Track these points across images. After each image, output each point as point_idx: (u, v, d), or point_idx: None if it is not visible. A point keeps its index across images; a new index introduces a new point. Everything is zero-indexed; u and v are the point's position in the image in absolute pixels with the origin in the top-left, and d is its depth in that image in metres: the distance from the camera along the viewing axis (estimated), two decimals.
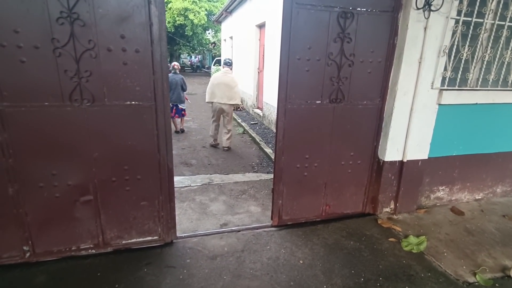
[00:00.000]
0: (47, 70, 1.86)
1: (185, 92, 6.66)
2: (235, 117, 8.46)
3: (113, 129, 2.10)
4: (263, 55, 7.88)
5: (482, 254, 2.36)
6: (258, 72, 8.81)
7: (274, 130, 6.82)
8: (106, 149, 2.12)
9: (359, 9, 2.41)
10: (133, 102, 2.08)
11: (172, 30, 20.66)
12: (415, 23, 2.47)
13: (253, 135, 6.55)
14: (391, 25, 2.54)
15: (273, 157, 5.01)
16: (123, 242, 2.34)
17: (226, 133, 5.52)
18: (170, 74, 6.15)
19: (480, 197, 3.29)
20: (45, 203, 2.08)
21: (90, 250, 2.26)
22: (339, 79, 2.53)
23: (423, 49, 2.52)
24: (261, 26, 8.18)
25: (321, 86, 2.52)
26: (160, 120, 2.17)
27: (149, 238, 2.40)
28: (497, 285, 2.04)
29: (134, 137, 2.16)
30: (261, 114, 8.05)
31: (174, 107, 6.43)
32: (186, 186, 3.76)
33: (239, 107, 7.57)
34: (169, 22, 19.75)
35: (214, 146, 5.72)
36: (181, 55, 31.64)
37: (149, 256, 2.23)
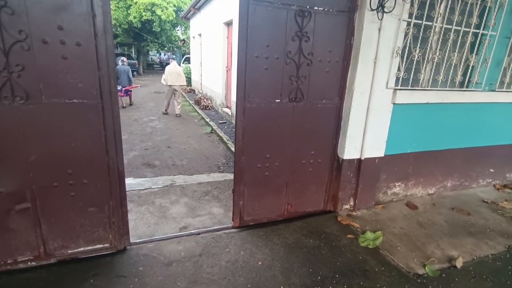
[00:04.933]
0: None
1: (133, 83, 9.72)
2: (203, 116, 8.35)
3: (53, 129, 1.91)
4: (231, 53, 7.79)
5: (431, 246, 2.48)
6: (227, 71, 8.69)
7: None
8: (45, 152, 1.92)
9: (316, 8, 2.42)
10: (75, 100, 1.91)
11: (139, 26, 19.80)
12: (370, 24, 2.53)
13: (220, 134, 6.44)
14: (348, 25, 2.58)
15: None
16: (69, 251, 2.15)
17: (177, 104, 8.39)
18: (120, 64, 9.19)
19: (432, 192, 3.48)
20: None
21: (29, 263, 2.05)
22: (298, 78, 2.53)
23: (378, 49, 2.60)
24: (229, 24, 8.07)
25: (280, 85, 2.50)
26: (108, 119, 2.02)
27: (100, 246, 2.23)
28: (443, 275, 2.15)
29: (78, 138, 1.98)
30: (230, 113, 7.96)
31: (123, 89, 9.05)
32: (146, 189, 3.58)
33: (186, 89, 9.92)
34: (135, 17, 18.89)
35: (165, 114, 8.49)
36: (150, 52, 30.53)
37: (98, 266, 2.07)
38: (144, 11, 18.59)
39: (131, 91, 9.46)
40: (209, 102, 9.99)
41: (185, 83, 8.59)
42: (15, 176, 1.89)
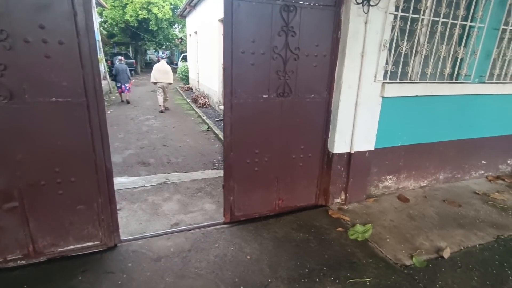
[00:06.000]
0: None
1: (131, 80, 10.27)
2: (200, 114, 8.37)
3: (38, 128, 1.92)
4: None
5: (420, 238, 2.50)
6: (223, 68, 8.67)
7: None
8: (32, 150, 1.93)
9: (301, 2, 2.42)
10: (60, 99, 1.92)
11: (136, 25, 19.74)
12: (356, 18, 2.52)
13: (216, 132, 6.45)
14: (334, 19, 2.58)
15: None
16: (59, 249, 2.17)
17: (165, 99, 9.01)
18: (117, 63, 9.93)
19: (424, 184, 3.49)
20: None
21: (19, 261, 2.07)
22: (285, 72, 2.53)
23: (365, 43, 2.59)
24: None
25: (267, 80, 2.51)
26: (93, 117, 2.03)
27: (90, 243, 2.25)
28: (430, 265, 2.17)
29: (64, 136, 1.99)
30: None
31: (123, 86, 9.72)
32: (140, 187, 3.60)
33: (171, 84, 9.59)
34: (131, 16, 18.81)
35: (162, 112, 8.80)
36: (147, 51, 30.43)
37: (87, 263, 2.09)
38: (140, 10, 18.54)
39: (129, 88, 10.08)
40: (206, 100, 9.99)
41: (171, 81, 8.90)
42: (1, 175, 1.90)
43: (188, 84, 14.74)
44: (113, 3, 18.89)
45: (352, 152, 2.86)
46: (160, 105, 8.91)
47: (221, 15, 7.90)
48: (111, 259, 2.14)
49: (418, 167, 3.37)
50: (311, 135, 2.83)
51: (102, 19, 19.63)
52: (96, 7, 14.55)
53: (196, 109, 9.18)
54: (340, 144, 2.83)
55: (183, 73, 15.21)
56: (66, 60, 1.88)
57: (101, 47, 12.58)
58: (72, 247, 2.20)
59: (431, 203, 3.11)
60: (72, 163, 2.06)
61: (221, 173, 4.26)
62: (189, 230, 2.57)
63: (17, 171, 1.93)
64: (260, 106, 2.55)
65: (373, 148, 2.96)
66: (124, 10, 18.92)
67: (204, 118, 7.89)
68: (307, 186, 2.96)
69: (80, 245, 2.22)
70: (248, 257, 2.20)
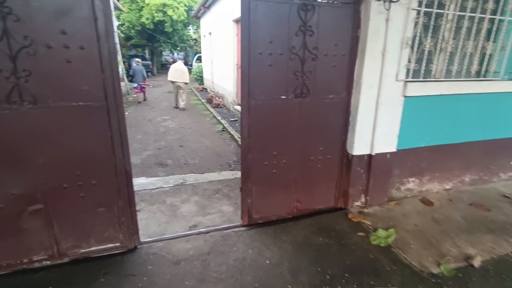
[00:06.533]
0: None
1: (146, 80, 10.90)
2: (215, 114, 8.40)
3: (60, 132, 1.96)
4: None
5: (447, 244, 2.38)
6: (237, 68, 8.68)
7: None
8: (54, 154, 1.98)
9: (319, 1, 2.36)
10: (81, 103, 1.95)
11: (152, 27, 20.09)
12: (377, 15, 2.43)
13: (232, 132, 6.46)
14: (353, 18, 2.50)
15: None
16: (81, 251, 2.21)
17: (182, 100, 9.42)
18: (134, 65, 10.52)
19: (449, 187, 3.34)
20: None
21: (44, 262, 2.13)
22: (303, 73, 2.47)
23: (386, 41, 2.50)
24: (238, 21, 8.05)
25: (285, 81, 2.46)
26: (113, 121, 2.05)
27: (110, 245, 2.28)
28: (460, 274, 2.06)
29: (85, 140, 2.03)
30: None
31: (139, 86, 10.30)
32: (158, 188, 3.63)
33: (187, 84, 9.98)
34: (147, 19, 19.16)
35: (176, 107, 9.49)
36: (163, 52, 30.95)
37: (108, 265, 2.12)
38: (155, 12, 18.84)
39: (145, 87, 10.79)
40: (221, 100, 10.03)
41: (188, 81, 9.37)
42: (26, 179, 1.95)
43: (203, 84, 14.87)
44: (130, 7, 19.31)
45: (373, 153, 2.77)
46: (176, 105, 9.48)
47: (236, 16, 7.92)
48: (131, 261, 2.16)
49: (442, 169, 3.23)
50: (329, 136, 2.76)
51: (119, 22, 20.11)
52: (114, 11, 14.91)
53: (211, 110, 9.23)
54: (360, 146, 2.75)
55: (198, 74, 15.35)
56: (87, 64, 1.90)
57: (119, 50, 12.90)
58: (93, 248, 2.24)
59: (457, 207, 2.97)
60: (92, 166, 2.09)
61: (237, 174, 4.25)
62: (207, 232, 2.56)
63: (41, 174, 1.97)
64: (278, 107, 2.51)
65: (394, 150, 2.85)
66: (141, 13, 19.29)
67: (219, 118, 7.92)
68: (326, 189, 2.89)
69: (101, 247, 2.25)
70: (268, 261, 2.16)
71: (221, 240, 2.43)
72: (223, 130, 6.98)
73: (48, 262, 2.13)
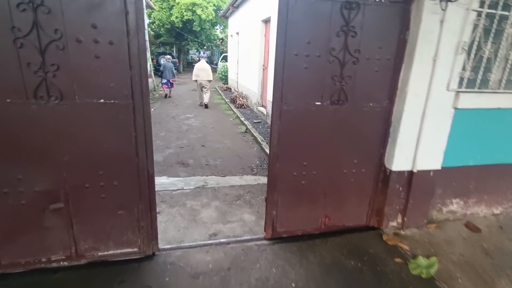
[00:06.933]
0: (7, 63, 1.65)
1: (175, 76, 11.33)
2: (238, 115, 8.28)
3: (85, 130, 1.88)
4: (268, 52, 7.60)
5: (502, 282, 2.07)
6: (263, 69, 8.53)
7: None
8: (78, 152, 1.90)
9: None
10: (107, 101, 1.86)
11: (180, 26, 20.46)
12: (430, 16, 2.17)
13: (255, 134, 6.30)
14: (402, 18, 2.25)
15: None
16: (99, 254, 2.13)
17: (206, 97, 9.45)
18: (164, 62, 11.08)
19: (498, 212, 2.97)
20: (10, 210, 1.88)
21: (62, 262, 2.07)
22: (342, 78, 2.26)
23: (439, 45, 2.22)
24: (267, 21, 7.89)
25: (321, 86, 2.26)
26: (138, 120, 1.95)
27: (128, 250, 2.19)
28: None
29: (109, 139, 1.94)
30: (265, 112, 7.78)
31: (168, 82, 10.73)
32: (179, 189, 3.54)
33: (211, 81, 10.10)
34: (176, 18, 19.53)
35: (201, 105, 9.61)
36: (190, 51, 31.50)
37: (125, 272, 2.02)
38: (185, 11, 19.14)
39: (172, 83, 11.22)
40: (245, 100, 9.92)
41: (211, 78, 9.53)
42: (50, 176, 1.89)
43: (227, 84, 14.86)
44: (161, 5, 19.76)
45: (415, 170, 2.49)
46: (200, 102, 9.57)
47: (264, 16, 7.74)
48: (148, 270, 2.05)
49: (492, 191, 2.87)
50: (366, 148, 2.51)
51: (150, 20, 20.65)
52: (146, 9, 15.29)
53: (234, 110, 9.13)
54: (400, 161, 2.48)
55: (223, 73, 15.38)
56: (115, 60, 1.81)
57: (148, 47, 13.25)
58: (111, 252, 2.15)
59: (510, 236, 2.62)
60: (115, 166, 2.00)
61: (260, 179, 4.08)
62: (228, 243, 2.41)
63: (64, 172, 1.91)
64: (311, 114, 2.31)
65: (439, 167, 2.56)
66: (171, 12, 19.69)
67: (242, 119, 7.79)
68: (358, 205, 2.65)
69: (119, 251, 2.17)
70: (293, 284, 1.97)
71: (242, 254, 2.26)
72: (246, 132, 6.84)
73: (66, 263, 2.07)
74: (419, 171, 2.50)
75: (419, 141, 2.43)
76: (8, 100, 1.71)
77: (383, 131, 2.49)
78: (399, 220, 2.65)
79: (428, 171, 2.54)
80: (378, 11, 2.18)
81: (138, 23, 1.79)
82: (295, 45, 2.13)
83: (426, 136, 2.42)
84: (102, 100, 1.85)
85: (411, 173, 2.51)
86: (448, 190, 2.73)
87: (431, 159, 2.52)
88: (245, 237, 2.54)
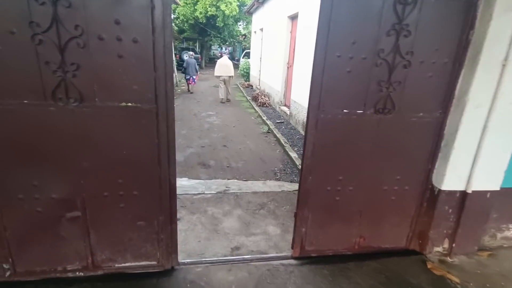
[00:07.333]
0: (25, 61, 1.52)
1: (198, 73, 11.52)
2: (260, 114, 8.08)
3: (105, 135, 1.73)
4: (294, 49, 7.30)
5: None
6: (288, 67, 8.23)
7: (301, 131, 6.32)
8: (97, 158, 1.76)
9: None
10: (129, 104, 1.70)
11: (204, 21, 20.43)
12: (502, 13, 1.84)
13: (278, 135, 6.06)
14: (466, 15, 1.92)
15: (298, 163, 4.55)
16: (116, 265, 2.00)
17: (228, 93, 9.76)
18: (187, 58, 11.11)
19: None
20: (26, 217, 1.78)
21: (77, 273, 1.95)
22: (389, 83, 1.98)
23: (511, 48, 1.88)
24: (294, 18, 7.57)
25: (365, 92, 1.99)
26: (162, 126, 1.78)
27: (146, 262, 2.05)
28: None
29: (130, 145, 1.78)
30: (288, 112, 7.51)
31: (190, 77, 10.89)
32: (200, 194, 3.39)
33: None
34: (201, 13, 19.50)
35: (222, 102, 9.62)
36: (212, 47, 31.55)
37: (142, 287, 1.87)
38: (209, 7, 19.06)
39: (195, 80, 11.42)
40: (267, 99, 9.67)
41: (232, 74, 9.69)
42: (67, 183, 1.77)
43: (249, 81, 14.65)
44: (185, 1, 19.80)
45: (469, 191, 2.17)
46: (221, 98, 9.63)
47: (291, 12, 7.41)
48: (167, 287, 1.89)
49: None
50: (411, 163, 2.22)
51: (174, 16, 20.78)
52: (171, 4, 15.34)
53: (256, 108, 8.92)
54: (451, 179, 2.17)
55: (245, 70, 15.17)
56: (139, 60, 1.64)
57: (172, 43, 13.32)
58: (129, 264, 2.02)
59: None
60: (136, 175, 1.85)
61: (284, 186, 3.86)
62: (252, 261, 2.21)
63: (82, 179, 1.78)
64: (351, 124, 2.05)
65: (498, 188, 2.22)
66: (195, 7, 19.69)
67: (264, 118, 7.57)
68: (397, 225, 2.36)
69: (137, 263, 2.03)
70: None
71: (268, 274, 2.06)
72: (268, 132, 6.61)
73: (82, 274, 1.95)
74: (474, 192, 2.17)
75: (477, 158, 2.10)
76: (25, 101, 1.59)
77: (432, 145, 2.18)
78: (446, 245, 2.34)
79: (485, 192, 2.21)
80: (437, 6, 1.88)
81: (165, 19, 1.60)
82: (338, 46, 1.87)
83: (486, 153, 2.09)
84: (124, 104, 1.69)
85: (464, 193, 2.20)
86: (505, 213, 2.38)
87: (489, 178, 2.18)
88: (270, 254, 2.33)
